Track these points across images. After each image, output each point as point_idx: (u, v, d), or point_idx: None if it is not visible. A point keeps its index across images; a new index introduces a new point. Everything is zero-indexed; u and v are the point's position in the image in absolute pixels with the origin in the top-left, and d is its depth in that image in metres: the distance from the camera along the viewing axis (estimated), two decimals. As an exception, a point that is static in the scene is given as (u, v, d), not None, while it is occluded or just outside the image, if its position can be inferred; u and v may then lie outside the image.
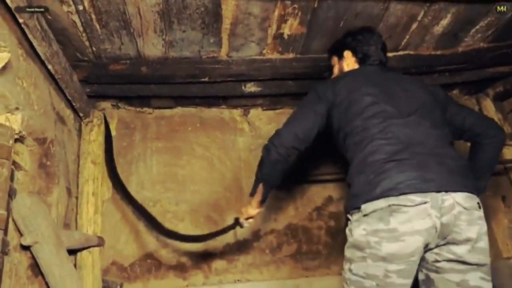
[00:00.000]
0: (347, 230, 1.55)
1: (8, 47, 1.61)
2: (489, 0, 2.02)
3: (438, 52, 2.47)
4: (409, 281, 1.43)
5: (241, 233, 2.53)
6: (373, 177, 1.46)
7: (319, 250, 2.65)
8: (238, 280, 2.50)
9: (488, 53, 2.48)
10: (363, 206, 1.44)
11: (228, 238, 2.58)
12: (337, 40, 2.02)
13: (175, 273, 2.46)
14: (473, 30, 2.32)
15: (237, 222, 2.07)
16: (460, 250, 1.43)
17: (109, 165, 2.52)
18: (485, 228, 1.48)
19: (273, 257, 2.59)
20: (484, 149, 1.79)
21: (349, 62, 1.92)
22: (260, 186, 1.84)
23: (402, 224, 1.38)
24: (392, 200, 1.39)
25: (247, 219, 2.01)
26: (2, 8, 1.62)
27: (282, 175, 1.83)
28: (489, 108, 3.03)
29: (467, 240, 1.42)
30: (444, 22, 2.21)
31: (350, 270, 1.49)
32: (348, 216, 1.55)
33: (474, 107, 3.12)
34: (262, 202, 1.92)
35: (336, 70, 2.00)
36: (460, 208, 1.42)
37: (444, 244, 1.45)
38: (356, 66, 1.90)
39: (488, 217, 2.78)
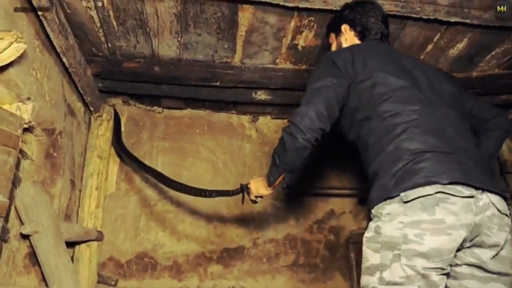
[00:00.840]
0: (371, 230, 1.35)
1: (25, 38, 1.63)
2: (506, 27, 2.01)
3: (452, 75, 2.46)
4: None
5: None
6: (412, 165, 1.31)
7: (316, 263, 2.63)
8: (233, 287, 2.49)
9: (502, 79, 2.46)
10: (403, 194, 1.28)
11: (226, 243, 2.59)
12: (334, 15, 1.87)
13: (171, 274, 2.46)
14: (489, 55, 2.31)
15: (242, 190, 1.94)
16: (485, 256, 1.31)
17: (117, 141, 2.56)
18: (510, 236, 1.35)
19: (269, 266, 2.58)
20: (489, 135, 1.71)
21: (348, 37, 1.76)
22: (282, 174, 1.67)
23: (449, 216, 1.24)
24: (440, 188, 1.26)
25: (257, 197, 1.87)
26: (22, -1, 1.65)
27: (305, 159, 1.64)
28: (500, 135, 3.00)
29: (495, 246, 1.31)
30: (460, 45, 2.20)
31: (381, 279, 1.28)
32: (374, 211, 1.36)
33: (484, 132, 3.10)
34: (284, 188, 1.79)
35: (334, 48, 1.84)
36: (494, 210, 1.31)
37: (468, 247, 1.32)
38: (356, 40, 1.75)
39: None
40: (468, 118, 1.65)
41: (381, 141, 1.42)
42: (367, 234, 1.37)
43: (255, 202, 1.93)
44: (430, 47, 2.22)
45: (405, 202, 1.27)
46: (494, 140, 1.72)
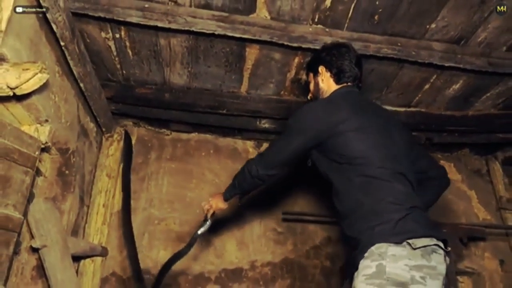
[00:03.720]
0: (372, 268, 1.43)
1: (48, 66, 1.77)
2: (497, 73, 2.11)
3: (449, 113, 2.57)
4: None
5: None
6: (411, 217, 1.48)
7: (311, 288, 2.70)
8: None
9: (497, 119, 2.56)
10: (410, 241, 1.43)
11: (225, 264, 2.67)
12: (312, 56, 2.01)
13: (170, 292, 2.54)
14: (484, 97, 2.42)
15: (206, 219, 2.21)
16: None
17: (125, 179, 2.68)
18: None
19: (266, 289, 2.66)
20: (433, 190, 1.88)
21: (324, 78, 1.87)
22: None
23: (439, 264, 1.44)
24: (435, 241, 1.46)
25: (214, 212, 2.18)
26: (46, 27, 1.79)
27: None
28: (497, 171, 3.08)
29: None
30: (456, 86, 2.32)
31: None
32: (375, 250, 1.45)
33: (482, 168, 3.18)
34: (240, 203, 2.29)
35: (312, 87, 1.96)
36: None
37: None
38: (331, 82, 1.86)
39: (483, 280, 2.82)
40: (416, 172, 1.74)
41: (378, 190, 1.55)
42: (367, 272, 1.43)
43: (206, 220, 2.21)
44: (427, 86, 2.34)
45: (414, 249, 1.42)
46: (436, 195, 1.91)
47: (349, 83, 1.84)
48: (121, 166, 2.73)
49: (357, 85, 1.88)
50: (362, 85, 1.92)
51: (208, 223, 2.20)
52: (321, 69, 1.88)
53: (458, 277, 2.78)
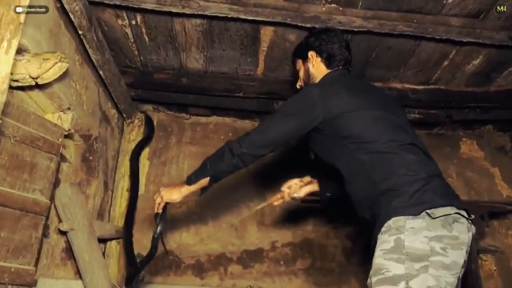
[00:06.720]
0: (390, 242, 1.40)
1: (67, 54, 1.83)
2: (519, 47, 2.06)
3: (469, 89, 2.52)
4: None
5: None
6: (428, 187, 1.45)
7: (332, 268, 2.73)
8: (251, 286, 2.62)
9: (520, 94, 2.50)
10: (429, 211, 1.39)
11: (246, 245, 2.72)
12: (299, 43, 1.97)
13: (193, 272, 2.62)
14: (506, 71, 2.36)
15: (156, 215, 1.83)
16: (462, 271, 1.45)
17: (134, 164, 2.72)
18: None
19: (286, 268, 2.70)
20: None
21: (315, 63, 1.85)
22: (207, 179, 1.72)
23: (461, 234, 1.39)
24: (456, 209, 1.42)
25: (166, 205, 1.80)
26: (64, 17, 1.84)
27: None
28: (521, 147, 3.02)
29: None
30: (476, 62, 2.27)
31: None
32: (393, 224, 1.42)
33: (506, 144, 3.12)
34: (201, 194, 1.81)
35: (302, 74, 1.92)
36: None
37: None
38: (322, 66, 1.84)
39: (507, 258, 2.79)
40: None
41: (389, 165, 1.51)
42: (385, 246, 1.41)
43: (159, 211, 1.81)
44: (446, 63, 2.30)
45: (433, 219, 1.38)
46: None
47: (340, 67, 1.83)
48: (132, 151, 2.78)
49: (347, 69, 1.87)
50: (352, 68, 1.91)
51: (159, 220, 1.82)
52: (311, 54, 1.85)
53: (481, 255, 2.77)
